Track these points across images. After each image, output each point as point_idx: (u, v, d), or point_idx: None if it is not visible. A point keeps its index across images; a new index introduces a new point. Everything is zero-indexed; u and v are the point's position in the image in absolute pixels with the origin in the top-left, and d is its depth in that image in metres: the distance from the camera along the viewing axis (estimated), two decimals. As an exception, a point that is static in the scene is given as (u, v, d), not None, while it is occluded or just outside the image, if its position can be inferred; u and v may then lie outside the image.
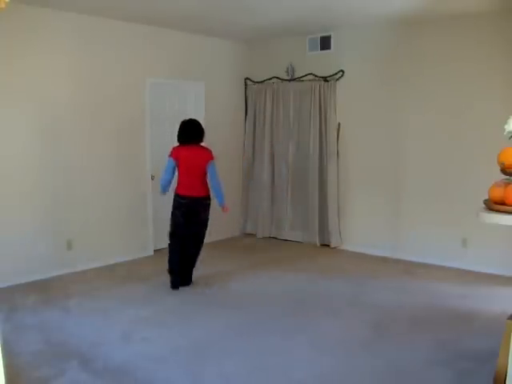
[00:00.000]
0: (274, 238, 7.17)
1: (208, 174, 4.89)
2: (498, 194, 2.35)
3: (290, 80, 6.87)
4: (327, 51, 6.50)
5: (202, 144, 5.03)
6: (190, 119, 5.09)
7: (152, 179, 6.24)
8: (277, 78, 6.97)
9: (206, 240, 6.84)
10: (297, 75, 6.80)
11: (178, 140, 4.99)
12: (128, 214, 6.05)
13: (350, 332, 3.99)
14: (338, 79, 6.42)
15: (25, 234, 5.14)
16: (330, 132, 6.48)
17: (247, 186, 7.34)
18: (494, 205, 2.35)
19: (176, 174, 4.98)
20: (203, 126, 5.10)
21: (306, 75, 6.66)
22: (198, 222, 4.98)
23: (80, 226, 5.59)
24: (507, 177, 2.44)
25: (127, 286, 5.09)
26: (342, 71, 6.38)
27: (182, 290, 4.99)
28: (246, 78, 7.29)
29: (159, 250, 6.46)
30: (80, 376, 3.26)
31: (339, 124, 6.47)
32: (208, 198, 4.98)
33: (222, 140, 7.03)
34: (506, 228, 3.92)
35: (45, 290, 4.94)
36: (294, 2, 4.97)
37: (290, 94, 6.87)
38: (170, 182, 4.97)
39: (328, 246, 6.65)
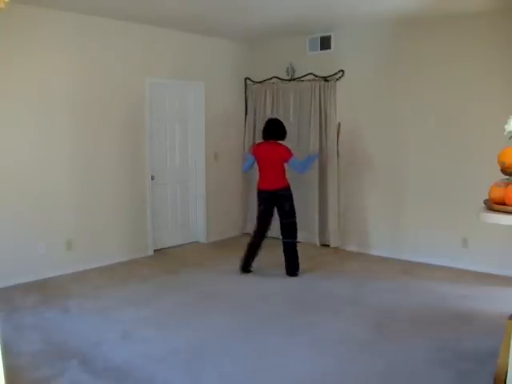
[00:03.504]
0: (273, 238, 7.15)
1: (292, 168, 5.39)
2: (498, 194, 2.35)
3: (290, 80, 6.87)
4: (327, 51, 6.50)
5: (282, 142, 5.39)
6: (274, 118, 5.65)
7: (152, 179, 6.25)
8: (277, 77, 6.97)
9: (205, 240, 6.92)
10: (297, 75, 6.79)
11: (262, 136, 5.48)
12: (128, 214, 6.05)
13: (350, 332, 3.99)
14: (338, 79, 6.42)
15: (24, 233, 5.14)
16: (330, 132, 6.48)
17: (247, 185, 7.34)
18: (494, 205, 2.35)
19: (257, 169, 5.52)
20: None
21: (306, 75, 6.66)
22: (284, 213, 5.32)
23: (80, 226, 5.59)
24: (507, 177, 2.44)
25: (127, 286, 5.09)
26: (342, 71, 6.38)
27: (182, 290, 4.99)
28: (246, 78, 7.29)
29: (159, 249, 6.47)
30: (80, 376, 3.26)
31: (339, 124, 6.47)
32: (287, 189, 5.31)
33: (222, 140, 7.04)
34: (506, 228, 3.93)
35: (45, 290, 4.94)
36: (294, 1, 4.97)
37: (290, 93, 6.87)
38: (250, 166, 5.52)
39: (328, 245, 6.65)
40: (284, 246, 5.40)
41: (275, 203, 5.34)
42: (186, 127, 6.81)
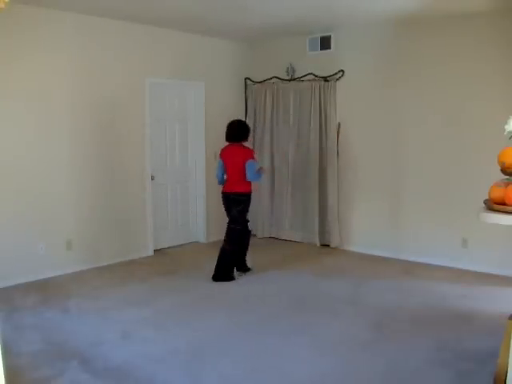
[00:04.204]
0: (274, 238, 7.17)
1: (247, 169, 5.12)
2: (498, 194, 2.35)
3: (290, 80, 6.87)
4: (327, 51, 6.49)
5: (245, 143, 5.33)
6: (234, 120, 5.43)
7: (152, 179, 6.25)
8: (277, 77, 6.97)
9: (205, 240, 6.92)
10: (297, 75, 6.79)
11: (225, 139, 5.35)
12: (128, 214, 6.04)
13: (350, 332, 3.99)
14: (338, 79, 6.42)
15: (24, 233, 5.14)
16: (330, 132, 6.48)
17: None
18: (494, 205, 2.35)
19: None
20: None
21: (306, 75, 6.66)
22: (230, 217, 5.28)
23: (80, 226, 5.59)
24: (507, 177, 2.44)
25: (127, 286, 5.09)
26: (342, 71, 6.38)
27: (182, 290, 4.99)
28: (246, 78, 7.29)
29: (159, 249, 6.47)
30: (80, 376, 3.26)
31: (339, 124, 6.47)
32: (241, 194, 5.19)
33: (221, 140, 7.02)
34: (506, 228, 3.93)
35: (44, 290, 4.94)
36: (294, 1, 4.97)
37: (290, 94, 6.87)
38: (221, 177, 5.36)
39: (328, 246, 6.65)
40: (220, 249, 5.30)
41: (228, 205, 5.25)
42: (186, 127, 6.81)
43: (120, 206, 5.96)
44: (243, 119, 5.75)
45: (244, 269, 5.48)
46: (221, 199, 5.34)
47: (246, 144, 5.38)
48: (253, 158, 5.18)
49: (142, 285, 5.15)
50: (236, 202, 5.20)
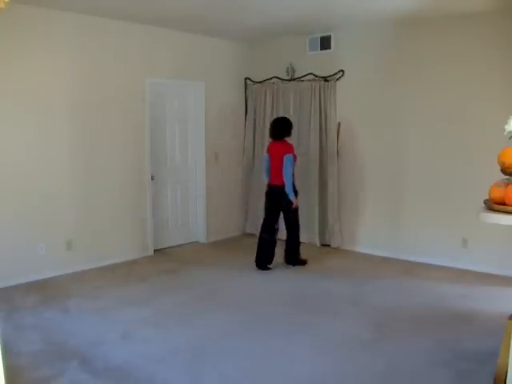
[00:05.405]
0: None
1: (284, 164, 5.41)
2: (498, 194, 2.35)
3: (290, 80, 6.87)
4: (327, 51, 6.49)
5: (287, 139, 5.59)
6: (276, 118, 5.83)
7: (152, 179, 6.25)
8: (277, 77, 6.97)
9: (205, 240, 6.92)
10: (297, 75, 6.79)
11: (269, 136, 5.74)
12: (128, 214, 6.04)
13: (350, 332, 3.99)
14: (338, 79, 6.42)
15: (25, 234, 5.14)
16: (330, 132, 6.48)
17: (247, 186, 7.34)
18: (494, 205, 2.35)
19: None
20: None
21: (306, 75, 6.66)
22: (283, 208, 5.56)
23: (80, 226, 5.59)
24: (507, 177, 2.44)
25: (127, 286, 5.09)
26: (342, 71, 6.38)
27: (182, 290, 4.99)
28: (246, 78, 7.29)
29: (159, 249, 6.47)
30: (80, 376, 3.26)
31: (339, 124, 6.47)
32: (278, 186, 5.48)
33: (222, 140, 7.04)
34: (506, 228, 3.93)
35: (44, 290, 4.94)
36: (293, 1, 4.97)
37: (290, 94, 6.87)
38: (267, 171, 5.67)
39: (328, 246, 6.65)
40: (285, 241, 5.74)
41: (274, 199, 5.55)
42: (186, 127, 6.81)
43: (120, 206, 5.96)
44: (286, 116, 5.94)
45: (263, 266, 5.65)
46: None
47: (289, 140, 5.61)
48: (290, 152, 5.41)
49: (142, 285, 5.15)
50: (276, 195, 5.50)
